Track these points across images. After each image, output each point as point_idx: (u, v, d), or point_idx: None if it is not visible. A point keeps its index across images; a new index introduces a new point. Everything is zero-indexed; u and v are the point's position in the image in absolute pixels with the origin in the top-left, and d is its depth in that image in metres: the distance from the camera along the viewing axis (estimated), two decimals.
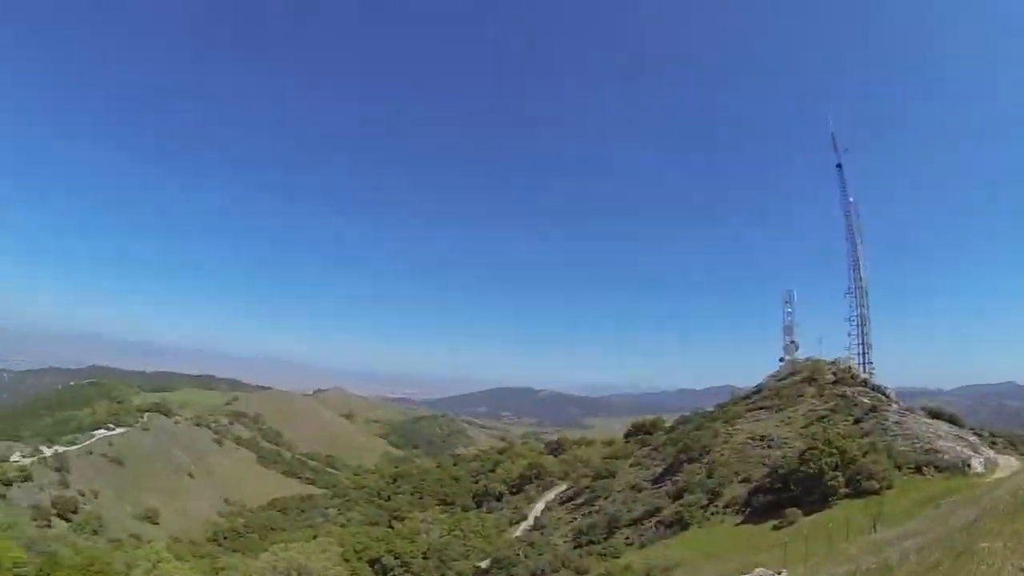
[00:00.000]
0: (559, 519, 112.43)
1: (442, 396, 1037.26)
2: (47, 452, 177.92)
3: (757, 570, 37.00)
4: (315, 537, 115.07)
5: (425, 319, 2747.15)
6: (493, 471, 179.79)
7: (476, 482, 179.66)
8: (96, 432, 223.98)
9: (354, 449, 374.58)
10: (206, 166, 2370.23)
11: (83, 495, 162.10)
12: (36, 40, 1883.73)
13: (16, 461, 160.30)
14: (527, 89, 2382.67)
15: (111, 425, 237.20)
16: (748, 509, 73.34)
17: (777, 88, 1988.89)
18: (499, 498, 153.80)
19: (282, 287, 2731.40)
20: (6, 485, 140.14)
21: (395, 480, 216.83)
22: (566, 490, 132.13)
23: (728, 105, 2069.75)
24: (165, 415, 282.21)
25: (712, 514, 76.91)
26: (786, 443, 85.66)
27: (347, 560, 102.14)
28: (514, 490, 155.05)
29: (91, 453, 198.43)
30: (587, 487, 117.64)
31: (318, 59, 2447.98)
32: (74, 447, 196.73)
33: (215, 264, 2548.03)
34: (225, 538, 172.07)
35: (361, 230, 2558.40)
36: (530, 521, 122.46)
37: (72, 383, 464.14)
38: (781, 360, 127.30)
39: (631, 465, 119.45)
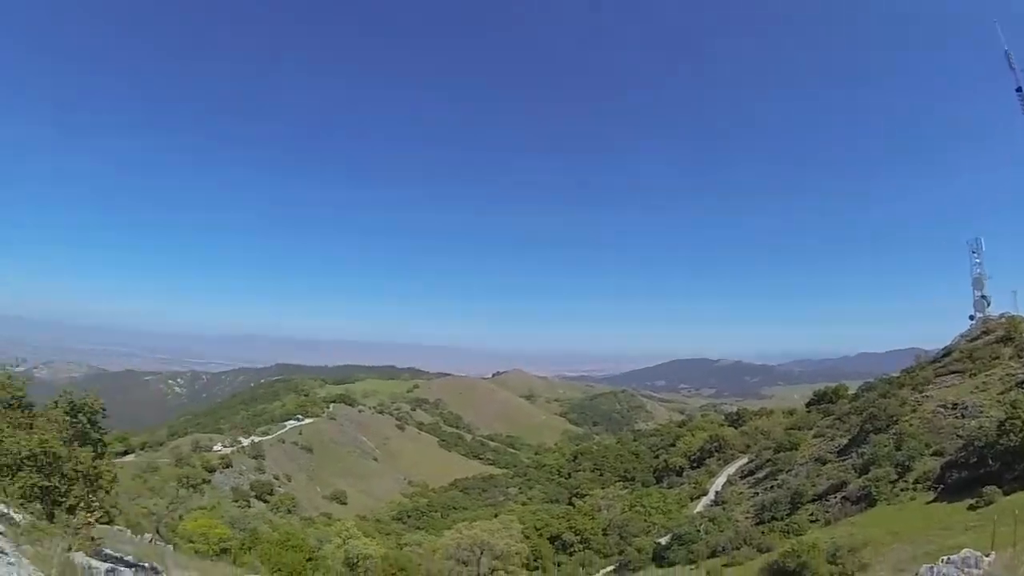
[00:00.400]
0: (740, 494, 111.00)
1: (620, 372, 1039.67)
2: (245, 442, 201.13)
3: (963, 551, 35.91)
4: (496, 515, 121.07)
5: (601, 298, 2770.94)
6: (673, 445, 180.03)
7: (656, 457, 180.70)
8: (287, 423, 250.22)
9: (534, 429, 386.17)
10: (382, 170, 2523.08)
11: (277, 479, 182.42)
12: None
13: (218, 451, 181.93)
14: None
15: (300, 416, 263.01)
16: (941, 486, 68.61)
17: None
18: (679, 473, 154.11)
19: (458, 277, 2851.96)
20: (211, 471, 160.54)
21: (575, 458, 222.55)
22: (747, 463, 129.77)
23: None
24: (349, 405, 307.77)
25: (901, 490, 72.06)
26: (982, 412, 79.13)
27: (528, 537, 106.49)
28: (695, 464, 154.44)
29: (283, 442, 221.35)
30: (769, 460, 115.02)
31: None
32: (268, 437, 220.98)
33: (391, 261, 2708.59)
34: (409, 516, 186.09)
35: (536, 220, 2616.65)
36: (711, 496, 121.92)
37: (262, 380, 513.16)
38: (971, 318, 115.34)
39: (814, 436, 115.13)
